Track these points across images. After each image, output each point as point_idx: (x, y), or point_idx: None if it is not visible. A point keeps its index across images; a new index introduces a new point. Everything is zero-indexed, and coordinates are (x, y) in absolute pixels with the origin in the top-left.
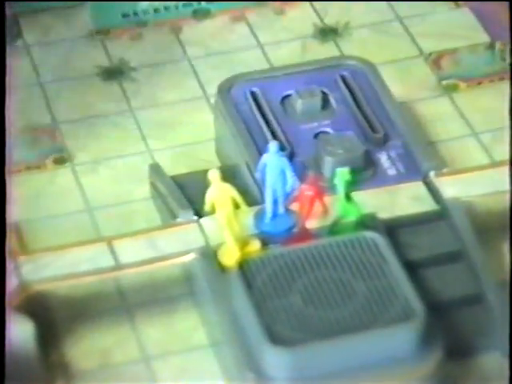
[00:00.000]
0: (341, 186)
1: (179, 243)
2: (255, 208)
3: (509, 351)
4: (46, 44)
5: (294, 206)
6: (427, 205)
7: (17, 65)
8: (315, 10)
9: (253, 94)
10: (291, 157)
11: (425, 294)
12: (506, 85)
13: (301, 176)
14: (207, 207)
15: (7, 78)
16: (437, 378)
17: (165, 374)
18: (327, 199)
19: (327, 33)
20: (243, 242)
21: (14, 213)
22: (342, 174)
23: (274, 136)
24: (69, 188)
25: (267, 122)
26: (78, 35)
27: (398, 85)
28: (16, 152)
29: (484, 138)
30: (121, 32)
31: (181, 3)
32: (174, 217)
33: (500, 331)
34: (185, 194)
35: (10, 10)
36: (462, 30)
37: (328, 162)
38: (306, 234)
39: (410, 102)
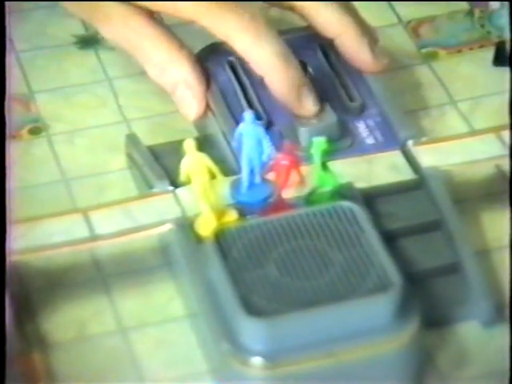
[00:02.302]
0: (317, 156)
1: (155, 214)
2: (231, 178)
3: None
4: (22, 11)
5: (271, 176)
6: (405, 174)
7: None
8: None
9: (230, 63)
10: (268, 126)
11: (402, 264)
12: (485, 52)
13: (278, 145)
14: (182, 177)
15: None
16: (414, 348)
17: (141, 345)
18: (304, 169)
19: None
20: (219, 212)
21: None
22: (319, 144)
23: (251, 105)
24: (44, 158)
25: (244, 91)
26: (54, 3)
27: None
28: None
29: (463, 107)
30: None
31: None
32: (150, 187)
33: (477, 300)
34: (161, 165)
35: None
36: None
37: (302, 132)
38: (282, 204)
39: (389, 70)
